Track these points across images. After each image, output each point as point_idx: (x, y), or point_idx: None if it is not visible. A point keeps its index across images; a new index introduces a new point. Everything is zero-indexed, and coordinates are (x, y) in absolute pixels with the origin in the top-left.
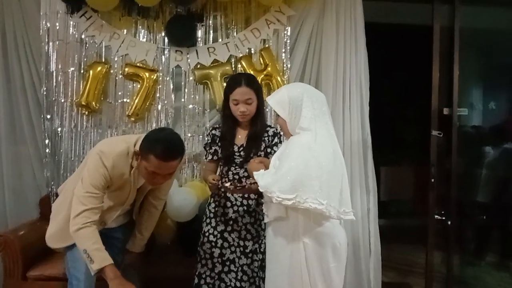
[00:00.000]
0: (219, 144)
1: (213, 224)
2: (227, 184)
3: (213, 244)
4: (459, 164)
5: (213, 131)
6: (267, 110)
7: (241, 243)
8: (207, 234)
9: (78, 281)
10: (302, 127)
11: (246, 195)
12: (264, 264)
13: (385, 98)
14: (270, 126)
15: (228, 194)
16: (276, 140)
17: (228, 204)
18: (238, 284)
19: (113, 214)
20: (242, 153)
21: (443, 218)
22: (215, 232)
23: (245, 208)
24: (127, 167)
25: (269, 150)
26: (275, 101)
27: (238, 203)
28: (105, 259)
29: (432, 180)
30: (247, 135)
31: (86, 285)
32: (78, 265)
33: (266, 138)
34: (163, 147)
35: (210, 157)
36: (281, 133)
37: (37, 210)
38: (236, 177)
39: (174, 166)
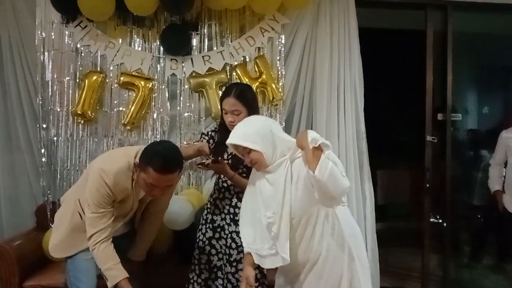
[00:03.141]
0: (212, 148)
1: (203, 230)
2: (204, 161)
3: (201, 250)
4: (453, 168)
5: (212, 133)
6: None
7: (227, 251)
8: (197, 240)
9: None
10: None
11: (233, 203)
12: None
13: (380, 103)
14: None
15: (217, 202)
16: None
17: (217, 211)
18: None
19: (117, 224)
20: (230, 161)
21: (439, 221)
22: (204, 239)
23: (231, 216)
24: (129, 181)
25: None
26: (244, 140)
27: (226, 211)
28: (116, 276)
29: (427, 185)
30: None
31: None
32: (79, 275)
33: None
34: (161, 160)
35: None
36: None
37: (33, 219)
38: (225, 184)
39: (172, 179)
